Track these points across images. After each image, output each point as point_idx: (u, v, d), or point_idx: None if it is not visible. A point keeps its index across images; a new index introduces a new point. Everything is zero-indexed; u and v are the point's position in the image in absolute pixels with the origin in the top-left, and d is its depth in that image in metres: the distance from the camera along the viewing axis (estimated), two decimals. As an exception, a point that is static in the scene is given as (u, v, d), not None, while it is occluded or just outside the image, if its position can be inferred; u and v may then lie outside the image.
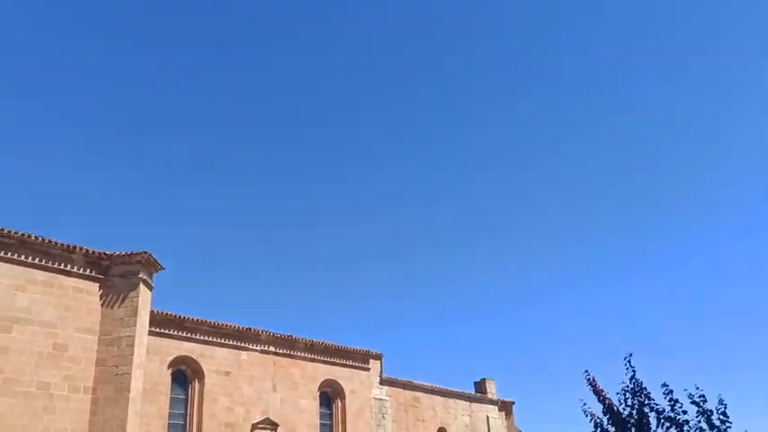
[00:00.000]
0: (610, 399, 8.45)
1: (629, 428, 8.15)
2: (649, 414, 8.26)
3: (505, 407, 40.72)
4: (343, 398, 33.30)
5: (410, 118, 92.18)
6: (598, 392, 8.48)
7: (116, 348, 23.05)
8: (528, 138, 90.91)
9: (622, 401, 8.66)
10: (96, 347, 22.94)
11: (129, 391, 22.58)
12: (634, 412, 8.23)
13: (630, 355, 8.68)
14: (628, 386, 8.53)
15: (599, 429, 8.35)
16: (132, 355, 23.04)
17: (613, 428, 8.24)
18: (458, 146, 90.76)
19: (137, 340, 23.34)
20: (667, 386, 8.54)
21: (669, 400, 8.38)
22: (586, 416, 8.42)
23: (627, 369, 8.73)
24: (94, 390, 22.42)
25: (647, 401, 8.21)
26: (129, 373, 22.79)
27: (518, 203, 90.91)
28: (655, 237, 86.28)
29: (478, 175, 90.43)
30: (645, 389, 8.41)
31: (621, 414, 8.33)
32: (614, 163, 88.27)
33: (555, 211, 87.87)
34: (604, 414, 8.40)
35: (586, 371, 8.73)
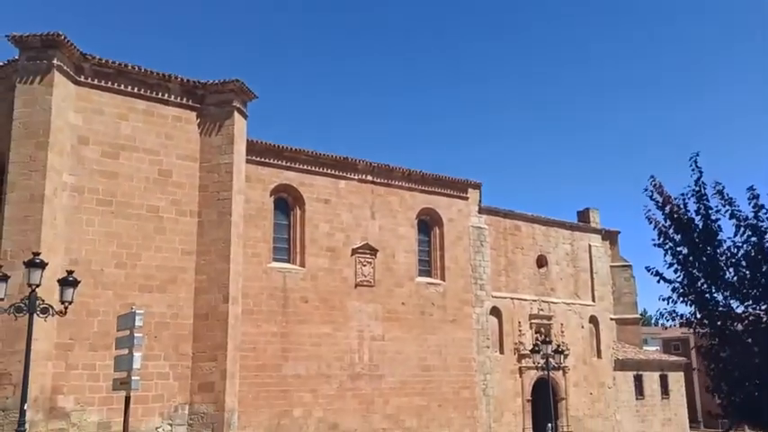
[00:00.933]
0: (675, 204, 7.28)
1: (695, 235, 7.10)
2: (717, 220, 7.13)
3: (609, 236, 39.73)
4: (441, 226, 33.48)
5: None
6: (663, 198, 7.36)
7: (216, 175, 23.75)
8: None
9: (685, 206, 7.46)
10: (198, 174, 23.72)
11: (230, 215, 23.51)
12: (698, 218, 7.13)
13: (697, 155, 7.38)
14: (692, 189, 7.27)
15: (663, 237, 7.34)
16: (231, 181, 23.71)
17: (679, 236, 7.23)
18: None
19: (234, 167, 23.88)
20: (753, 190, 7.34)
21: (753, 207, 7.14)
22: (650, 223, 7.42)
23: (693, 170, 7.43)
24: (199, 213, 23.49)
25: (725, 207, 7.03)
26: (230, 199, 23.59)
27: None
28: None
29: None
30: (723, 193, 7.13)
31: (683, 219, 7.21)
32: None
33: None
34: (665, 219, 7.33)
35: (652, 176, 7.57)
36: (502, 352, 34.07)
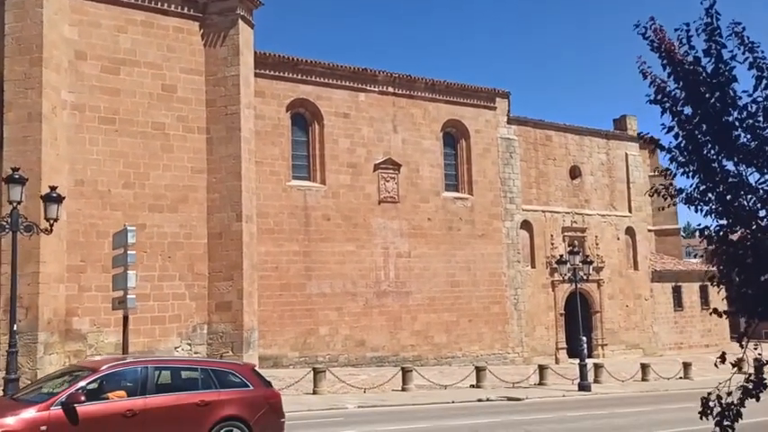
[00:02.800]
0: (677, 52, 5.26)
1: (700, 85, 5.21)
2: (732, 67, 5.21)
3: (648, 145, 37.07)
4: (467, 138, 31.50)
5: None
6: (661, 43, 5.38)
7: (223, 88, 22.19)
8: None
9: (689, 43, 5.38)
10: (204, 88, 22.19)
11: (239, 130, 22.06)
12: (707, 60, 5.21)
13: None
14: (702, 22, 5.18)
15: (661, 95, 5.45)
16: (239, 94, 22.13)
17: (682, 92, 5.35)
18: None
19: (242, 80, 22.24)
20: None
21: None
22: (645, 78, 5.51)
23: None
24: (207, 130, 22.09)
25: (744, 54, 5.07)
26: (238, 113, 22.09)
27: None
28: None
29: None
30: (742, 35, 5.09)
31: (687, 61, 5.25)
32: None
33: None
34: (665, 68, 5.36)
35: (651, 18, 5.57)
36: (534, 266, 32.57)
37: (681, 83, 5.28)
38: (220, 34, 22.36)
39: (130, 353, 19.19)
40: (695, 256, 52.28)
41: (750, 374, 5.33)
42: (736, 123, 5.18)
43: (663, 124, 5.43)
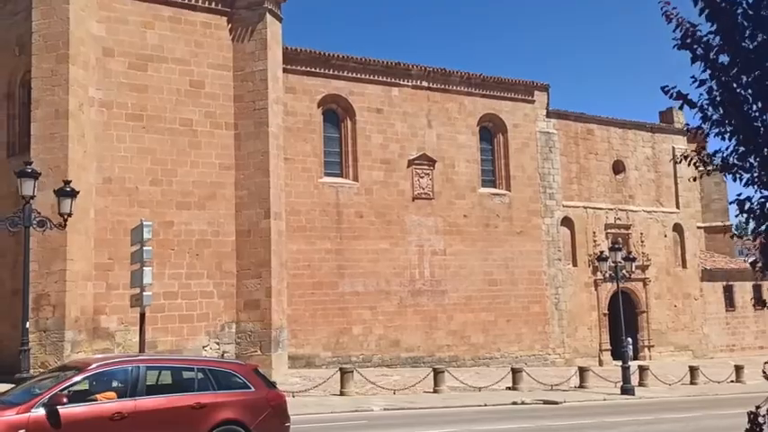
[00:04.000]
0: None
1: (744, 25, 4.15)
2: None
3: (696, 137, 35.14)
4: (504, 132, 30.29)
5: None
6: None
7: (251, 83, 21.65)
8: None
9: None
10: (232, 83, 21.68)
11: (267, 125, 21.48)
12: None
13: None
14: None
15: (690, 40, 4.37)
16: (267, 89, 21.56)
17: (716, 35, 4.27)
18: None
19: (269, 74, 21.67)
20: None
21: None
22: (669, 22, 4.44)
23: None
24: (235, 126, 21.58)
25: None
26: (266, 108, 21.52)
27: None
28: None
29: None
30: None
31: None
32: None
33: None
34: (696, 3, 4.29)
35: None
36: (575, 264, 31.12)
37: (715, 23, 4.23)
38: (248, 29, 21.83)
39: (156, 352, 18.86)
40: (748, 255, 49.66)
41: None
42: None
43: (693, 77, 4.40)
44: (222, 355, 18.55)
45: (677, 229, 34.03)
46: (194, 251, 20.70)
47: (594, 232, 31.34)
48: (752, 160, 4.24)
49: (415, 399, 18.19)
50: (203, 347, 20.47)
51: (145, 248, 13.79)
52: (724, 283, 34.75)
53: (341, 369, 18.93)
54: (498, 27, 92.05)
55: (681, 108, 4.41)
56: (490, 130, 30.35)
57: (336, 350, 25.73)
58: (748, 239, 5.01)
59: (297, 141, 25.73)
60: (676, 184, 34.26)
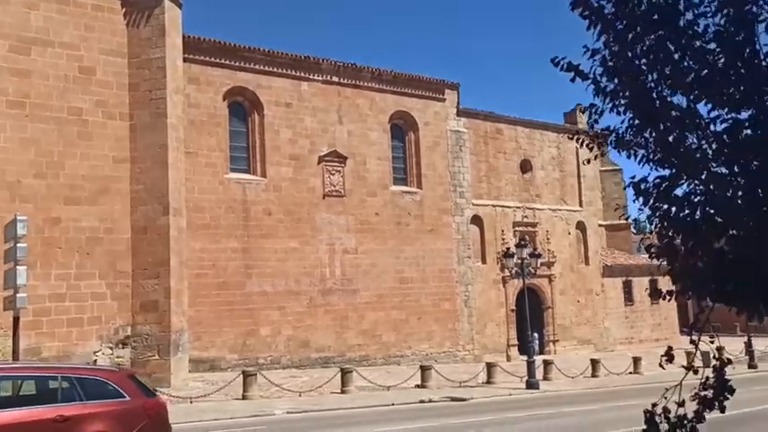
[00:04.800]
0: None
1: None
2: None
3: (599, 139, 36.26)
4: (416, 130, 30.11)
5: None
6: None
7: (147, 71, 20.35)
8: None
9: None
10: (126, 71, 20.30)
11: (166, 116, 20.25)
12: None
13: None
14: None
15: (583, 6, 4.00)
16: (165, 78, 20.32)
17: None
18: None
19: (168, 62, 20.44)
20: None
21: None
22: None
23: None
24: (131, 116, 20.22)
25: None
26: (165, 98, 20.28)
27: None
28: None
29: None
30: None
31: None
32: None
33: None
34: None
35: None
36: (484, 262, 31.35)
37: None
38: (144, 13, 20.51)
39: (39, 359, 17.31)
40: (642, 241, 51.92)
41: (706, 378, 3.94)
42: (681, 43, 3.77)
43: (585, 46, 3.99)
44: (95, 361, 17.15)
45: (580, 226, 34.98)
46: (84, 249, 19.21)
47: (503, 230, 31.69)
48: (647, 135, 3.87)
49: (322, 400, 17.54)
50: (95, 353, 19.02)
51: (19, 245, 12.48)
52: (623, 278, 36.04)
53: (244, 372, 18.03)
54: (410, 23, 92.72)
55: (573, 80, 3.98)
56: (401, 128, 30.09)
57: (243, 352, 24.69)
58: (647, 237, 4.63)
59: (200, 135, 24.54)
60: (580, 183, 35.23)
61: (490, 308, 31.18)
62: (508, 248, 24.54)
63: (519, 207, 32.56)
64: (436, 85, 30.74)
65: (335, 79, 27.94)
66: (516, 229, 32.03)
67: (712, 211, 3.73)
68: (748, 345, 29.54)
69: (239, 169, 25.84)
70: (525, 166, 33.30)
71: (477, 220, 31.25)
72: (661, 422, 3.89)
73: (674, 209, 3.81)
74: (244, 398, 17.28)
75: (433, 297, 29.55)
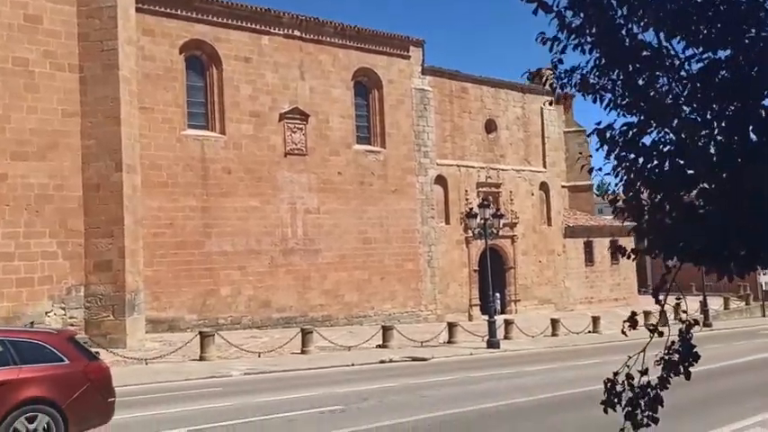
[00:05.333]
0: None
1: None
2: None
3: (564, 100, 36.16)
4: (380, 88, 29.48)
5: None
6: None
7: (98, 21, 19.27)
8: None
9: None
10: (76, 20, 19.19)
11: (118, 68, 19.27)
12: None
13: None
14: None
15: None
16: (116, 28, 19.28)
17: None
18: None
19: (120, 12, 19.40)
20: None
21: None
22: None
23: None
24: (80, 68, 19.19)
25: None
26: (117, 49, 19.27)
27: None
28: None
29: None
30: None
31: None
32: None
33: None
34: None
35: None
36: (448, 222, 31.22)
37: None
38: (94, -41, 19.33)
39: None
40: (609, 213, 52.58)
41: (672, 342, 3.69)
42: None
43: None
44: (32, 323, 16.50)
45: (544, 187, 35.03)
46: (34, 207, 18.38)
47: (467, 190, 31.52)
48: (615, 76, 3.51)
49: (281, 361, 17.30)
50: (46, 313, 18.38)
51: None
52: (584, 239, 36.39)
53: (201, 333, 17.65)
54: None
55: (535, 13, 3.57)
56: (365, 86, 29.43)
57: (203, 313, 24.27)
58: (611, 196, 4.23)
59: (156, 89, 23.60)
60: (544, 144, 35.15)
61: (453, 268, 31.19)
62: (471, 209, 24.39)
63: (483, 167, 32.38)
64: (401, 42, 30.05)
65: (297, 33, 27.06)
66: (480, 189, 31.89)
67: (682, 162, 3.41)
68: (704, 304, 30.20)
69: (197, 126, 25.02)
70: (490, 126, 33.03)
71: (441, 180, 31.00)
72: (624, 390, 3.64)
73: (641, 159, 3.49)
74: (201, 359, 16.93)
75: (397, 257, 29.40)
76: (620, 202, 3.76)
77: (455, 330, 22.83)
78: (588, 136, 31.14)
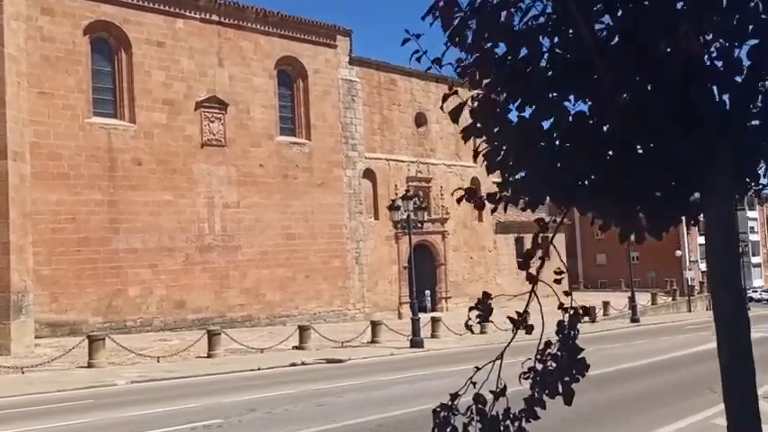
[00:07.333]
0: None
1: None
2: None
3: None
4: (305, 78, 28.01)
5: None
6: None
7: (-22, -8, 17.14)
8: None
9: None
10: (-48, -10, 17.03)
11: (3, 46, 17.22)
12: None
13: None
14: None
15: None
16: (2, 2, 17.21)
17: None
18: None
19: (3, -18, 17.31)
20: None
21: None
22: None
23: None
24: (-42, 43, 17.04)
25: None
26: (1, 25, 17.21)
27: None
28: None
29: None
30: None
31: None
32: None
33: None
34: None
35: None
36: (377, 217, 30.01)
37: None
38: None
39: None
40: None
41: (546, 344, 2.46)
42: None
43: None
44: None
45: (475, 182, 34.14)
46: None
47: (396, 185, 30.36)
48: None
49: (182, 367, 15.65)
50: None
51: None
52: (515, 235, 35.80)
53: (89, 337, 15.82)
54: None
55: None
56: (289, 75, 27.90)
57: (109, 315, 22.30)
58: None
59: (56, 73, 21.52)
60: (474, 138, 34.28)
61: (382, 265, 30.00)
62: (393, 200, 23.18)
63: (413, 161, 31.33)
64: (327, 31, 28.65)
65: (215, 18, 25.33)
66: (410, 184, 30.74)
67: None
68: (632, 300, 29.94)
69: (104, 113, 23.03)
70: (420, 120, 32.00)
71: (369, 174, 29.77)
72: (471, 422, 2.38)
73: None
74: (90, 366, 15.13)
75: (323, 254, 27.99)
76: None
77: (379, 329, 21.59)
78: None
